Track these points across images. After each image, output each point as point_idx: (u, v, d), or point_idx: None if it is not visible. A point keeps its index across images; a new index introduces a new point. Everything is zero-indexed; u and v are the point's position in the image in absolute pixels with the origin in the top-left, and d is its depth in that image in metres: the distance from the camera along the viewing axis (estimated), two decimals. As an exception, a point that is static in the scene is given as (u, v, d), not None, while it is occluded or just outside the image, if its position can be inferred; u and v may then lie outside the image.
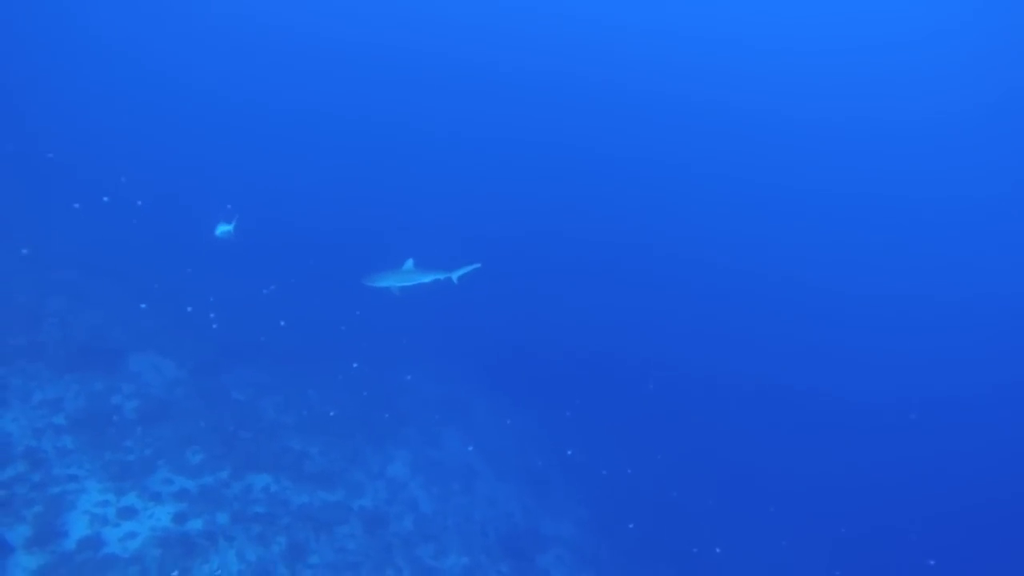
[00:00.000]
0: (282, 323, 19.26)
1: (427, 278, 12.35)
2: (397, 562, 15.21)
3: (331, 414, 18.63)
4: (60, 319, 16.43)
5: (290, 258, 26.20)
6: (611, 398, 26.45)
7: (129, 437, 14.41)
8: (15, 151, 25.57)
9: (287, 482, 15.60)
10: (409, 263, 12.22)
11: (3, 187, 23.43)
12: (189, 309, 17.90)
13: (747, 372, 31.75)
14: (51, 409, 14.07)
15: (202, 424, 15.36)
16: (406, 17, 61.66)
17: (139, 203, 19.31)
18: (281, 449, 16.41)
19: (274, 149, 41.21)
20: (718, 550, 19.02)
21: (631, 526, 19.43)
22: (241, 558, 12.71)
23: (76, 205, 17.69)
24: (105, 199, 17.47)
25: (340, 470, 17.01)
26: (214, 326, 17.61)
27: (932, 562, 18.90)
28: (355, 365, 20.29)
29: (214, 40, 51.58)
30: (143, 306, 17.34)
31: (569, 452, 21.23)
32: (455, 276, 12.61)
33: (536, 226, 41.03)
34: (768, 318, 38.79)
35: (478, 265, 12.67)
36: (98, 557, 11.30)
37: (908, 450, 28.06)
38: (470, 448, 21.06)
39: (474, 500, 19.39)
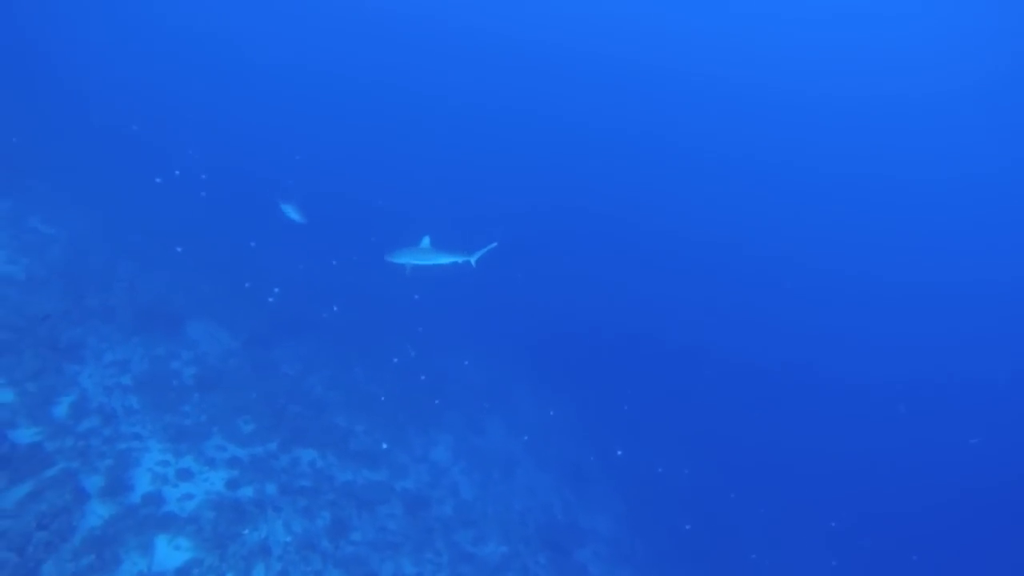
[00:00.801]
0: (335, 308, 19.54)
1: (444, 259, 11.82)
2: (437, 545, 15.30)
3: (377, 395, 18.89)
4: (129, 283, 17.12)
5: (354, 234, 26.38)
6: (660, 394, 25.88)
7: (187, 402, 14.92)
8: (102, 125, 26.79)
9: (332, 458, 15.88)
10: (425, 241, 11.73)
11: (90, 156, 24.57)
12: (247, 285, 18.35)
13: (821, 374, 30.58)
14: (119, 369, 14.68)
15: (253, 395, 15.76)
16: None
17: (203, 176, 19.93)
18: (328, 425, 16.71)
19: (343, 126, 41.86)
20: (753, 556, 18.30)
21: (688, 527, 18.84)
22: (288, 529, 13.00)
23: (158, 179, 18.41)
24: (177, 172, 18.09)
25: (384, 450, 17.22)
26: (271, 299, 17.99)
27: None
28: (412, 353, 20.44)
29: (279, 18, 52.91)
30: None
31: (619, 452, 20.86)
32: (473, 259, 12.05)
33: (601, 214, 40.59)
34: (836, 316, 37.32)
35: (495, 244, 12.11)
36: (159, 513, 11.75)
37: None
38: (525, 438, 21.05)
39: (514, 489, 19.37)
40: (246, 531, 12.29)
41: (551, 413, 23.85)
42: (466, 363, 22.91)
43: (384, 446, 16.94)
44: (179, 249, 18.08)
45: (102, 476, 12.00)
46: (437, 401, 19.81)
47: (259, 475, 13.93)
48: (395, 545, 14.67)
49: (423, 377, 20.77)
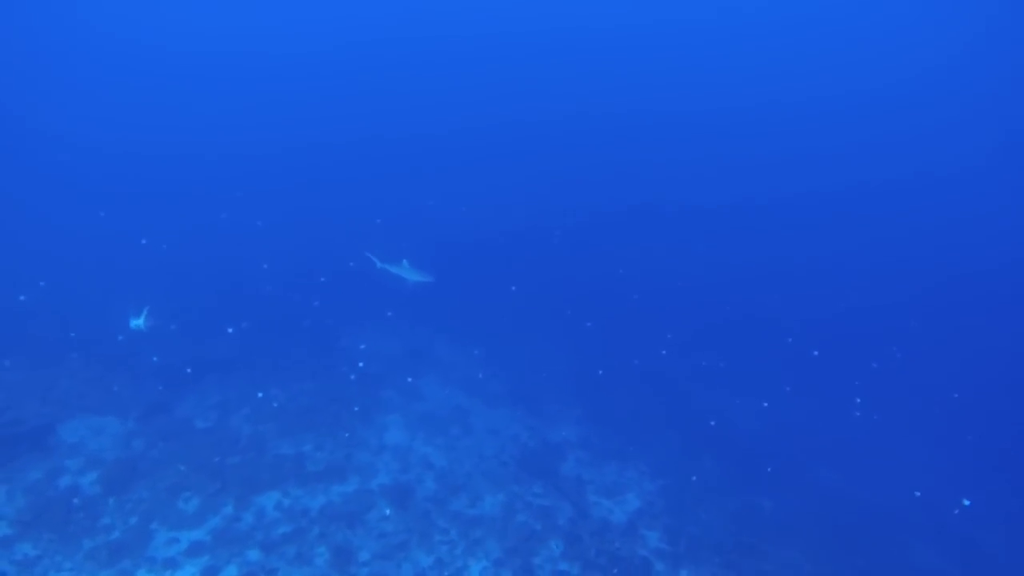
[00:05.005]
0: (230, 330, 16.99)
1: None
2: (440, 524, 14.74)
3: (308, 406, 17.23)
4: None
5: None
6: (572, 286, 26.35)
7: (103, 514, 12.43)
8: None
9: (297, 491, 14.38)
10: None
11: None
12: (120, 338, 15.26)
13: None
14: (-11, 522, 11.69)
15: (181, 467, 13.52)
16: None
17: (41, 284, 16.22)
18: (275, 460, 15.00)
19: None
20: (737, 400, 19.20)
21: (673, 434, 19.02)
22: (294, 586, 11.71)
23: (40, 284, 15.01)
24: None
25: (343, 457, 15.98)
26: (155, 358, 15.14)
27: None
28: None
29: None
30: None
31: (599, 373, 21.02)
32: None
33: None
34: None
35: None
36: (143, 652, 9.89)
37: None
38: (462, 385, 20.42)
39: (479, 437, 19.10)
40: (253, 612, 10.87)
41: (475, 352, 23.58)
42: (362, 346, 21.64)
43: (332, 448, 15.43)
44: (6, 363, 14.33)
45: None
46: (360, 386, 18.57)
47: (232, 547, 12.21)
48: (403, 544, 13.89)
49: (330, 374, 19.37)
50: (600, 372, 21.97)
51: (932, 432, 19.99)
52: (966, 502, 15.44)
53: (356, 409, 18.07)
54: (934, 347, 23.24)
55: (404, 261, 12.24)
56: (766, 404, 18.52)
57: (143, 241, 22.33)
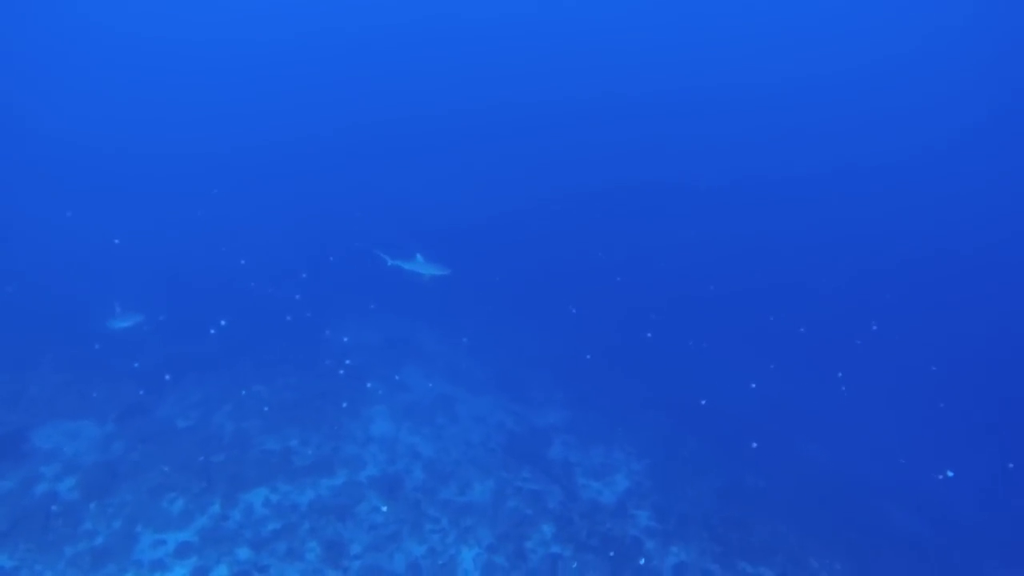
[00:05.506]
0: (212, 331, 16.67)
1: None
2: (431, 513, 14.70)
3: (292, 400, 17.01)
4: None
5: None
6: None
7: (84, 519, 12.14)
8: None
9: (285, 486, 14.21)
10: None
11: None
12: (97, 346, 14.90)
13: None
14: (-39, 535, 11.36)
15: (164, 468, 13.26)
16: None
17: (8, 289, 15.79)
18: (261, 456, 14.79)
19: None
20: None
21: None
22: (286, 582, 11.59)
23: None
24: None
25: (330, 451, 15.83)
26: (136, 364, 14.80)
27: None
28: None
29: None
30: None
31: (588, 356, 20.93)
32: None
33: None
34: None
35: None
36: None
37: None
38: (445, 374, 20.29)
39: (465, 425, 19.06)
40: (245, 610, 10.74)
41: (463, 340, 23.49)
42: (345, 339, 21.47)
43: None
44: None
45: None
46: (343, 379, 18.43)
47: (221, 546, 12.02)
48: (395, 535, 13.83)
49: (313, 367, 19.19)
50: (588, 356, 21.97)
51: (912, 405, 20.45)
52: (950, 473, 15.83)
53: (344, 405, 17.87)
54: (912, 322, 23.80)
55: (418, 256, 11.98)
56: (754, 385, 18.72)
57: (116, 241, 21.79)
